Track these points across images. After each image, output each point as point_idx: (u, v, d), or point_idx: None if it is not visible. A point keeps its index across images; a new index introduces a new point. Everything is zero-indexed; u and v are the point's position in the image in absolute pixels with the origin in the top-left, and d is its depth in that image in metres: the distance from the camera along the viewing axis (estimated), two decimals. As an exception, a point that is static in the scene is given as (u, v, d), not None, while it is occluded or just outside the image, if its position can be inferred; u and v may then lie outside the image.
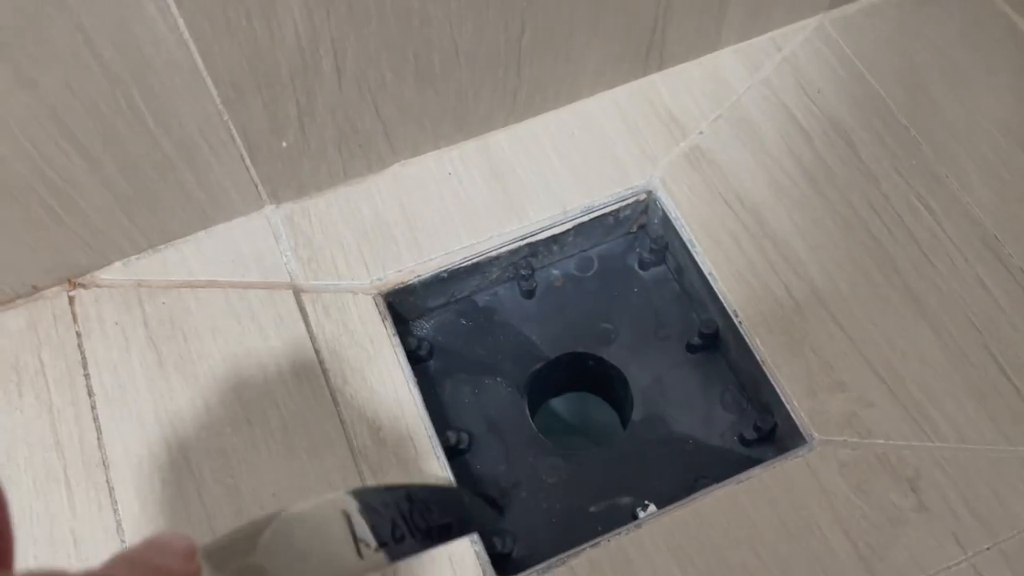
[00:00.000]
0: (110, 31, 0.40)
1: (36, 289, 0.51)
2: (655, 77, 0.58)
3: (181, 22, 0.41)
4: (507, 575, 0.44)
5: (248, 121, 0.47)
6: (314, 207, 0.54)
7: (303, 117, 0.48)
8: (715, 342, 0.53)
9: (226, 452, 0.46)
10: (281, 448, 0.46)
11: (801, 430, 0.47)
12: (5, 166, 0.43)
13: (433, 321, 0.56)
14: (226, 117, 0.46)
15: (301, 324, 0.50)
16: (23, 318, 0.50)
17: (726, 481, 0.46)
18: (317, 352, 0.49)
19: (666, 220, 0.54)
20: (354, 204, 0.54)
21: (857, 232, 0.52)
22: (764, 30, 0.59)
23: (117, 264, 0.52)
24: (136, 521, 0.45)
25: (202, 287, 0.51)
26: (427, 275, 0.52)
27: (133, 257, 0.52)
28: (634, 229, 0.57)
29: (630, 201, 0.55)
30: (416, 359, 0.53)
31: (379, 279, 0.52)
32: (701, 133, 0.56)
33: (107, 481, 0.46)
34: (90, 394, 0.48)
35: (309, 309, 0.50)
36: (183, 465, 0.46)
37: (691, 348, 0.54)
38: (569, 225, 0.54)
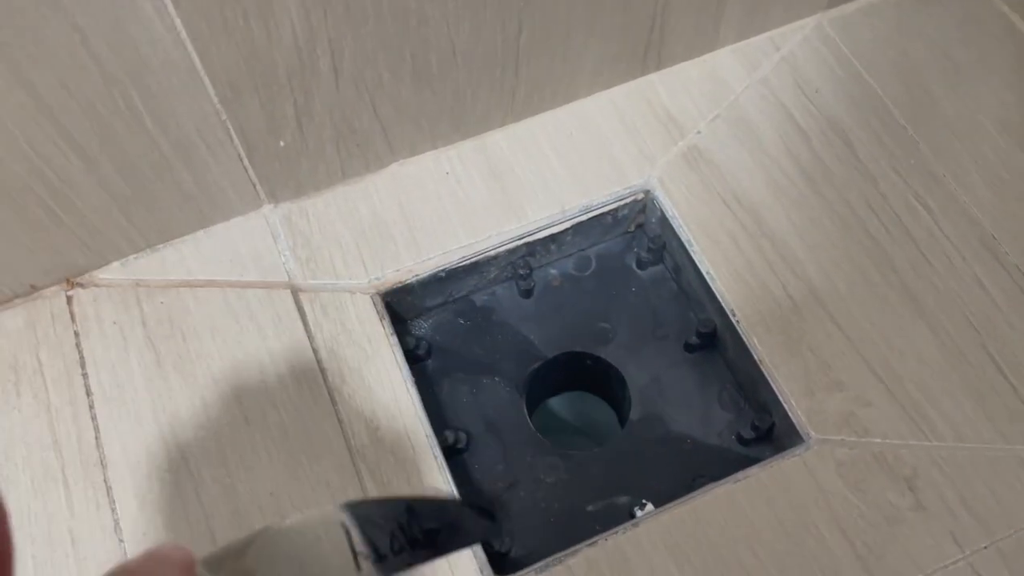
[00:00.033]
0: (107, 31, 0.40)
1: (34, 289, 0.51)
2: (653, 77, 0.58)
3: (178, 22, 0.41)
4: (505, 574, 0.44)
5: (246, 121, 0.47)
6: (312, 207, 0.54)
7: (301, 117, 0.48)
8: (713, 341, 0.53)
9: (224, 451, 0.46)
10: (279, 447, 0.46)
11: (799, 429, 0.47)
12: (3, 166, 0.43)
13: (431, 320, 0.56)
14: (224, 117, 0.46)
15: (299, 323, 0.50)
16: (21, 318, 0.50)
17: (724, 480, 0.46)
18: (315, 351, 0.49)
19: (664, 220, 0.54)
20: (352, 204, 0.54)
21: (855, 231, 0.52)
22: (762, 29, 0.59)
23: (115, 264, 0.52)
24: (134, 520, 0.45)
25: (200, 287, 0.51)
26: (425, 274, 0.52)
27: (131, 257, 0.52)
28: (632, 229, 0.57)
29: (628, 201, 0.55)
30: (414, 358, 0.53)
31: (377, 278, 0.52)
32: (699, 133, 0.56)
33: (105, 480, 0.46)
34: (88, 393, 0.48)
35: (307, 308, 0.50)
36: (181, 464, 0.46)
37: (689, 347, 0.54)
38: (567, 225, 0.54)
